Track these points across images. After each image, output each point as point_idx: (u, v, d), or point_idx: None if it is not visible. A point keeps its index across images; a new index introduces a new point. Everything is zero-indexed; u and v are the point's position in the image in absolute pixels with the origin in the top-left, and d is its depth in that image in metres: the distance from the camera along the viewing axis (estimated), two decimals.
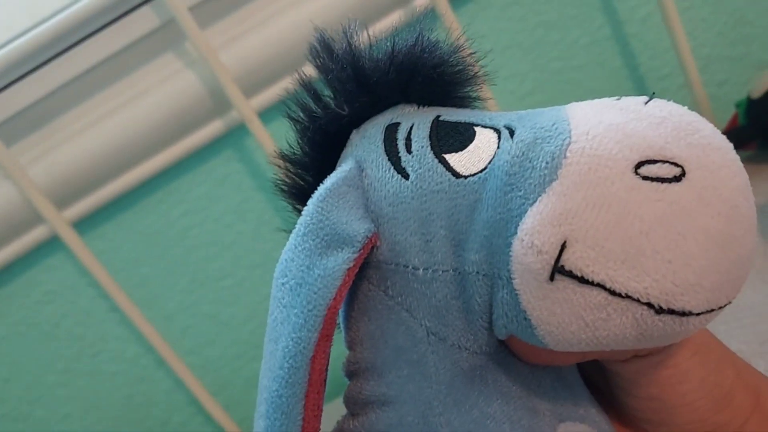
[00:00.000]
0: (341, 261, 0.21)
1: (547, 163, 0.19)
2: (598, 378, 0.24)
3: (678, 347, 0.22)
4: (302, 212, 0.23)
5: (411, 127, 0.23)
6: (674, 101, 0.21)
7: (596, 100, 0.21)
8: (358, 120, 0.25)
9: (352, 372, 0.24)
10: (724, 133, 0.20)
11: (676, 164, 0.18)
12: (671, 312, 0.18)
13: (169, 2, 0.48)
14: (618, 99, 0.21)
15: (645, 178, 0.18)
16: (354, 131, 0.25)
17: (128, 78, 0.53)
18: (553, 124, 0.20)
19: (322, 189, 0.23)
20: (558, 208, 0.18)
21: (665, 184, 0.18)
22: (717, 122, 0.58)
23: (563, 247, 0.18)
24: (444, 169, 0.21)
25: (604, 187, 0.18)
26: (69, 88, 0.52)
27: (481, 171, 0.21)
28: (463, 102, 0.26)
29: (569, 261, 0.18)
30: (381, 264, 0.22)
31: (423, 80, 0.24)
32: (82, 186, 0.53)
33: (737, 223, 0.18)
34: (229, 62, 0.51)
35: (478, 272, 0.21)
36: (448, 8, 0.52)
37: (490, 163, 0.21)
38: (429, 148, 0.22)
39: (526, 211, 0.19)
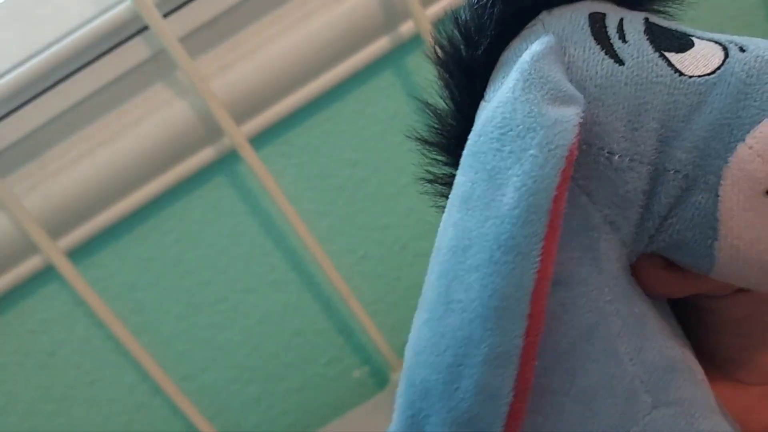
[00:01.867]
0: (573, 113, 0.19)
1: None
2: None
3: None
4: (515, 68, 0.21)
5: (621, 20, 0.22)
6: None
7: None
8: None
9: None
10: None
11: None
12: None
13: (160, 33, 0.49)
14: None
15: None
16: (545, 12, 0.23)
17: (120, 108, 0.53)
18: None
19: (531, 51, 0.21)
20: None
21: None
22: None
23: None
24: (665, 65, 0.21)
25: None
26: (62, 119, 0.53)
27: (708, 74, 0.21)
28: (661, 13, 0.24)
29: None
30: None
31: None
32: (76, 215, 0.53)
33: None
34: (219, 90, 0.52)
35: (678, 171, 0.21)
36: None
37: (719, 68, 0.21)
38: (648, 41, 0.21)
39: (760, 121, 0.19)
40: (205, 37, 0.53)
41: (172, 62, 0.52)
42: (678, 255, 0.22)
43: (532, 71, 0.20)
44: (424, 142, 0.25)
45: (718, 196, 0.20)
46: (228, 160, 0.55)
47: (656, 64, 0.21)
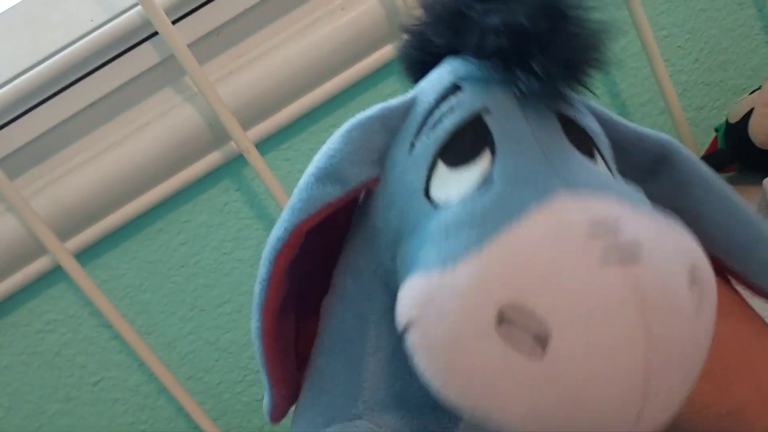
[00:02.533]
0: (324, 193, 0.23)
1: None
2: None
3: None
4: (342, 128, 0.24)
5: (457, 104, 0.22)
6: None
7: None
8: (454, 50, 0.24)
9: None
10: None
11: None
12: None
13: (169, 39, 0.50)
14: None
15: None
16: (448, 58, 0.25)
17: (129, 112, 0.54)
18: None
19: (357, 117, 0.24)
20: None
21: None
22: (697, 145, 0.60)
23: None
24: (424, 174, 0.22)
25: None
26: (72, 123, 0.54)
27: (441, 204, 0.21)
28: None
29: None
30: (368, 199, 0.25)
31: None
32: (84, 217, 0.54)
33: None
34: (226, 95, 0.53)
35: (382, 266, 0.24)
36: None
37: (447, 203, 0.21)
38: (439, 141, 0.22)
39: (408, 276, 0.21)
40: (213, 44, 0.54)
41: (180, 68, 0.53)
42: None
43: (335, 141, 0.24)
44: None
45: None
46: (234, 164, 0.56)
47: (419, 168, 0.22)
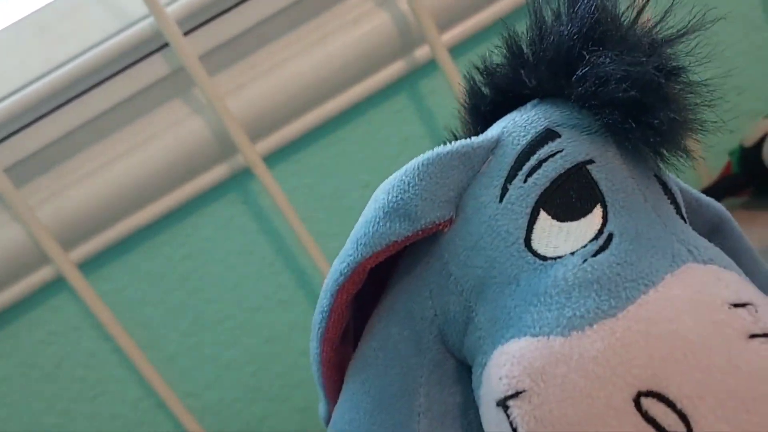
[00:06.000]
0: (394, 230, 0.22)
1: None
2: None
3: None
4: (413, 162, 0.23)
5: (557, 152, 0.21)
6: None
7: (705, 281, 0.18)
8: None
9: None
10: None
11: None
12: None
13: (180, 51, 0.50)
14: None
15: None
16: (532, 100, 0.24)
17: (137, 123, 0.54)
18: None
19: (435, 151, 0.23)
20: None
21: None
22: (710, 170, 0.60)
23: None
24: (523, 226, 0.20)
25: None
26: (80, 132, 0.53)
27: (548, 258, 0.20)
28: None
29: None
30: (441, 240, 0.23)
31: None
32: (88, 227, 0.53)
33: None
34: (235, 108, 0.52)
35: (479, 329, 0.22)
36: None
37: (558, 258, 0.19)
38: (542, 189, 0.21)
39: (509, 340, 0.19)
40: (223, 56, 0.54)
41: (190, 79, 0.53)
42: None
43: (409, 174, 0.22)
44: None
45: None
46: (241, 177, 0.56)
47: (516, 215, 0.21)
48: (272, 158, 0.55)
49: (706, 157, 0.61)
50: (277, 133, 0.55)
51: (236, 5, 0.53)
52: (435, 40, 0.53)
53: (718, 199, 0.57)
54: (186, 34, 0.52)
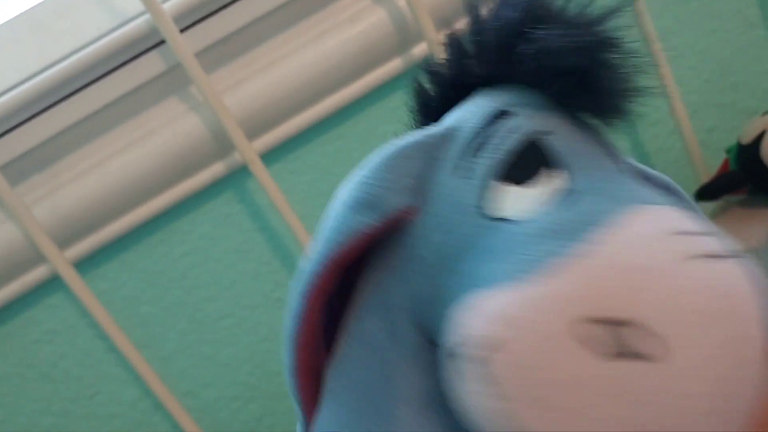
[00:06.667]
0: (359, 221, 0.23)
1: None
2: None
3: None
4: (378, 153, 0.24)
5: (511, 127, 0.22)
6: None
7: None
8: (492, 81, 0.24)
9: None
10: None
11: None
12: None
13: (176, 48, 0.49)
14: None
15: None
16: (479, 91, 0.25)
17: (133, 121, 0.54)
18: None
19: (392, 145, 0.24)
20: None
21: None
22: (707, 168, 0.60)
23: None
24: (478, 194, 0.21)
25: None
26: (75, 130, 0.53)
27: (498, 218, 0.21)
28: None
29: None
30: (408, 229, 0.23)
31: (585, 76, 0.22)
32: (84, 226, 0.53)
33: None
34: (232, 106, 0.52)
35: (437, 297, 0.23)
36: None
37: (518, 220, 0.20)
38: (496, 160, 0.22)
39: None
40: (220, 54, 0.54)
41: (186, 76, 0.52)
42: None
43: (370, 168, 0.24)
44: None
45: None
46: (238, 175, 0.56)
47: (472, 187, 0.22)
48: (269, 156, 0.55)
49: (704, 154, 0.61)
50: (275, 131, 0.55)
51: (233, 2, 0.52)
52: (432, 38, 0.52)
53: (716, 196, 0.58)
54: (182, 31, 0.51)
